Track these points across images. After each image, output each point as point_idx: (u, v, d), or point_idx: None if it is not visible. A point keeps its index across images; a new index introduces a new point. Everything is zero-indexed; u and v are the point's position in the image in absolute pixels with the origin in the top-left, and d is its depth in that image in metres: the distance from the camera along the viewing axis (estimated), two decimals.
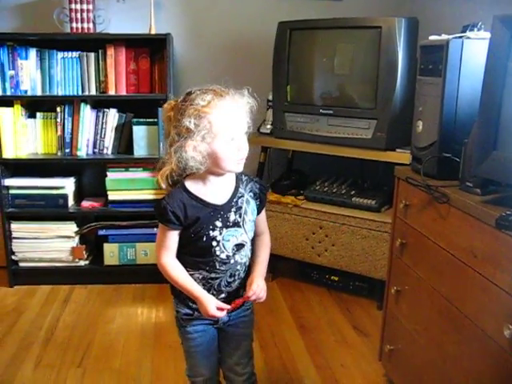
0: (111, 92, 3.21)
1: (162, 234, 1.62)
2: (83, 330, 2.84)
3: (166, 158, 1.58)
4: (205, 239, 1.60)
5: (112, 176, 3.29)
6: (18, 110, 3.21)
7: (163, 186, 1.60)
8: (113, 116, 3.28)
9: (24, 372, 2.46)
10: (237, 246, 1.65)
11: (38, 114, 3.28)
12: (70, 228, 3.30)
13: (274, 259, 3.45)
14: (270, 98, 3.25)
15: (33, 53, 3.17)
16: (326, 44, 3.03)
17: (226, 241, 1.63)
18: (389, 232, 2.47)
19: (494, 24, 1.56)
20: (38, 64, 3.19)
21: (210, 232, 1.60)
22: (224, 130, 1.52)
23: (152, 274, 3.32)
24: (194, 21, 3.47)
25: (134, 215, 3.34)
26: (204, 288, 1.65)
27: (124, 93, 3.23)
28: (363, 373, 2.48)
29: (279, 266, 3.53)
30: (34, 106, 3.31)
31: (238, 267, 1.68)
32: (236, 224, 1.64)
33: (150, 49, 3.25)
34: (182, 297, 1.70)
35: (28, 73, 3.17)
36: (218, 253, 1.63)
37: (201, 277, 1.65)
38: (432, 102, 1.93)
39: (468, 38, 1.87)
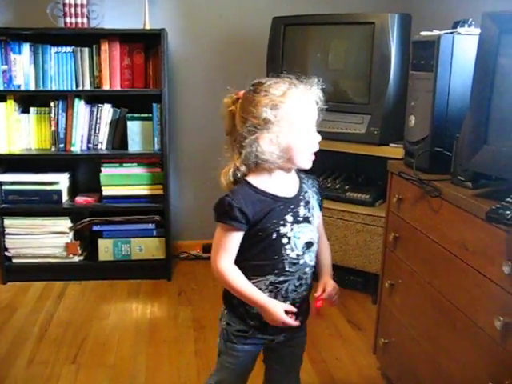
0: (105, 87, 3.21)
1: (223, 235, 1.47)
2: (77, 326, 2.84)
3: (228, 156, 1.51)
4: (275, 236, 1.47)
5: (106, 171, 3.29)
6: (11, 105, 3.21)
7: (224, 183, 1.50)
8: (107, 111, 3.28)
9: (17, 369, 2.45)
10: (307, 243, 1.52)
11: (32, 109, 3.27)
12: (64, 224, 3.29)
13: None
14: None
15: (26, 47, 3.17)
16: (320, 39, 3.05)
17: (297, 238, 1.50)
18: (383, 226, 2.48)
19: (484, 20, 1.57)
20: (32, 59, 3.18)
21: (281, 228, 1.47)
22: (301, 121, 1.44)
23: (147, 270, 3.38)
24: (188, 16, 3.48)
25: (128, 211, 3.34)
26: (270, 295, 1.51)
27: (118, 88, 3.23)
28: (358, 366, 2.50)
29: None
30: (27, 100, 3.31)
31: (307, 269, 1.55)
32: (306, 219, 1.52)
33: (145, 44, 3.26)
34: (239, 311, 1.56)
35: (21, 67, 3.17)
36: (288, 251, 1.49)
37: (268, 282, 1.51)
38: (424, 97, 1.95)
39: (459, 33, 1.89)
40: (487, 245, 1.54)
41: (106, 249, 3.34)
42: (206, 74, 3.55)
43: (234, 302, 1.55)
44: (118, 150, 3.34)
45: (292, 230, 1.49)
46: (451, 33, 1.91)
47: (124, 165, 3.31)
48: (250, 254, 1.50)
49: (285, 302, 1.53)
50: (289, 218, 1.49)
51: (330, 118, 2.92)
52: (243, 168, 1.48)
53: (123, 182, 3.31)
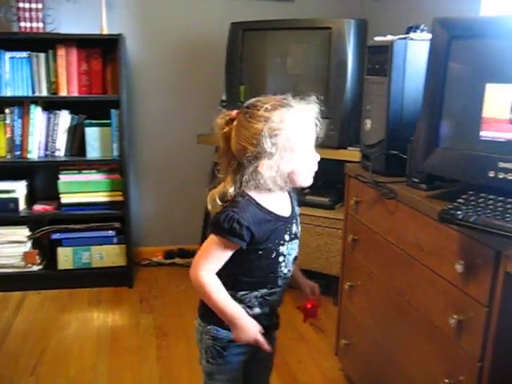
0: (62, 93, 3.16)
1: (219, 248, 1.41)
2: (36, 337, 2.78)
3: (221, 178, 1.46)
4: (274, 255, 1.47)
5: (64, 178, 3.24)
6: None
7: (210, 206, 1.44)
8: (65, 117, 3.23)
9: None
10: (294, 258, 1.55)
11: None
12: (22, 232, 3.23)
13: None
14: (224, 98, 3.26)
15: None
16: (278, 44, 3.07)
17: (290, 255, 1.52)
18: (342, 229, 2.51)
19: (434, 26, 1.61)
20: None
21: (280, 247, 1.47)
22: (301, 143, 1.41)
23: (108, 278, 3.34)
24: (146, 21, 3.46)
25: (88, 218, 3.30)
26: (258, 307, 1.52)
27: (76, 94, 3.19)
28: (320, 368, 2.52)
29: None
30: None
31: (289, 280, 1.57)
32: (296, 236, 1.54)
33: (102, 49, 3.22)
34: (219, 318, 1.50)
35: None
36: (282, 268, 1.51)
37: (259, 295, 1.51)
38: (379, 101, 1.98)
39: (411, 39, 1.93)
40: (441, 245, 1.57)
41: (66, 257, 3.29)
42: (164, 79, 3.54)
43: (217, 315, 1.49)
44: (77, 156, 3.29)
45: (287, 248, 1.50)
46: (404, 38, 1.94)
47: (83, 172, 3.26)
48: (244, 269, 1.47)
49: (270, 311, 1.56)
50: (286, 237, 1.49)
51: None
52: (231, 190, 1.42)
53: (82, 189, 3.26)
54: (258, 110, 1.38)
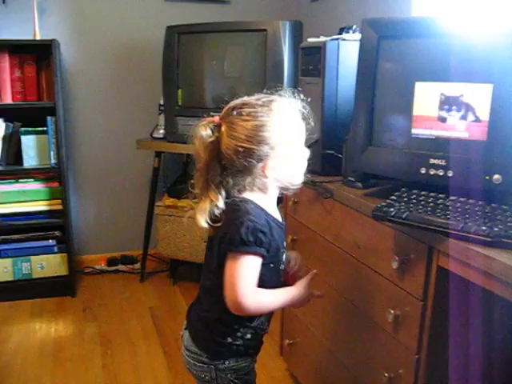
0: None
1: (250, 266, 1.31)
2: None
3: (200, 193, 1.35)
4: (281, 266, 1.42)
5: (1, 188, 3.15)
6: None
7: (201, 222, 1.32)
8: None
9: None
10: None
11: None
12: None
13: (174, 264, 3.46)
14: (162, 102, 3.23)
15: None
16: (215, 47, 3.06)
17: (283, 263, 1.46)
18: None
19: (363, 27, 1.64)
20: None
21: (282, 256, 1.42)
22: (299, 136, 1.37)
23: (50, 288, 3.27)
24: (80, 25, 3.39)
25: (27, 228, 3.21)
26: (267, 323, 1.49)
27: (10, 101, 3.10)
28: (266, 368, 2.52)
29: (180, 270, 3.54)
30: None
31: None
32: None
33: (36, 55, 3.14)
34: (241, 349, 1.45)
35: None
36: (281, 278, 1.47)
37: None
38: (314, 102, 1.98)
39: (344, 39, 1.96)
40: (377, 242, 1.60)
41: (5, 269, 3.20)
42: (101, 84, 3.49)
43: (233, 348, 1.43)
44: (13, 165, 3.19)
45: (284, 256, 1.45)
46: (337, 39, 1.97)
47: (20, 181, 3.18)
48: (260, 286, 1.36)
49: (264, 332, 1.50)
50: (284, 243, 1.45)
51: None
52: (221, 204, 1.33)
53: (20, 198, 3.18)
54: (254, 107, 1.32)
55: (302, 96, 1.41)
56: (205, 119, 1.36)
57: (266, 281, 1.36)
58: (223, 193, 1.34)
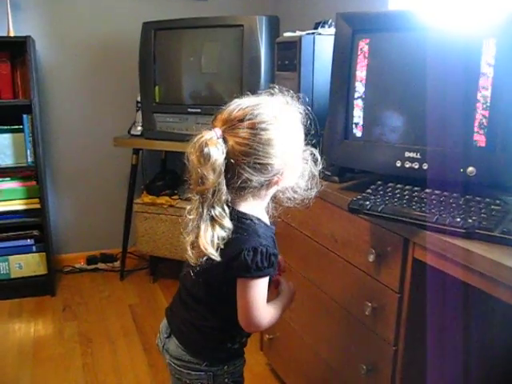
0: None
1: (263, 287, 1.27)
2: None
3: (202, 218, 1.22)
4: (275, 272, 1.37)
5: None
6: None
7: (210, 249, 1.20)
8: None
9: None
10: None
11: None
12: None
13: (154, 261, 3.45)
14: (139, 99, 3.21)
15: None
16: (191, 43, 3.04)
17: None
18: None
19: (337, 21, 1.65)
20: None
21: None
22: (302, 142, 1.30)
23: (29, 287, 3.24)
24: (55, 22, 3.35)
25: (4, 227, 3.17)
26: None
27: None
28: (246, 364, 2.49)
29: (159, 268, 3.53)
30: None
31: None
32: None
33: (10, 52, 3.10)
34: (239, 352, 1.46)
35: None
36: None
37: None
38: None
39: (319, 34, 1.96)
40: (354, 235, 1.61)
41: None
42: (77, 82, 3.45)
43: (232, 351, 1.42)
44: None
45: None
46: (312, 33, 1.97)
47: None
48: None
49: None
50: None
51: (205, 121, 2.93)
52: (229, 224, 1.22)
53: None
54: (263, 119, 1.20)
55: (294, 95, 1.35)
56: (203, 132, 1.20)
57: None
58: (227, 210, 1.23)
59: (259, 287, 1.25)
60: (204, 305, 1.38)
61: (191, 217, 1.25)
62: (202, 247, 1.20)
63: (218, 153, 1.17)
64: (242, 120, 1.20)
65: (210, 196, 1.20)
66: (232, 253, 1.22)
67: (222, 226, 1.22)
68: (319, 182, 1.38)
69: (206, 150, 1.16)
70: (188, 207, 1.27)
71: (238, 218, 1.25)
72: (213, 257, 1.21)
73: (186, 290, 1.42)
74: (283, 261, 1.53)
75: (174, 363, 1.43)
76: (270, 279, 1.32)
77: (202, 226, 1.21)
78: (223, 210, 1.22)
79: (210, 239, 1.20)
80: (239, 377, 1.47)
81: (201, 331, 1.38)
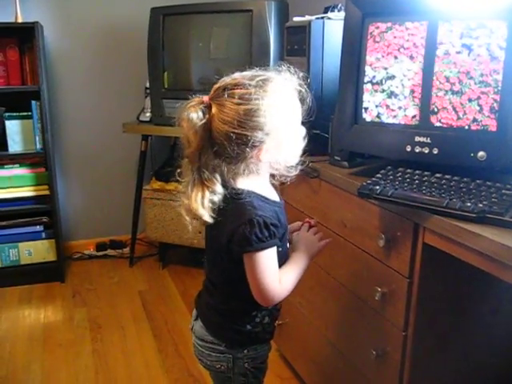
0: None
1: (271, 258, 1.26)
2: None
3: (192, 183, 1.26)
4: (288, 245, 1.38)
5: None
6: None
7: (201, 211, 1.24)
8: None
9: None
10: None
11: None
12: None
13: (163, 248, 3.46)
14: (148, 85, 3.21)
15: None
16: (200, 29, 3.03)
17: (289, 241, 1.42)
18: None
19: (347, 4, 1.63)
20: None
21: (288, 236, 1.39)
22: (295, 116, 1.28)
23: (38, 274, 3.26)
24: (63, 8, 3.34)
25: (13, 214, 3.19)
26: (273, 311, 1.42)
27: None
28: None
29: (169, 254, 3.53)
30: None
31: None
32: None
33: (19, 38, 3.10)
34: (260, 335, 1.42)
35: None
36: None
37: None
38: None
39: (329, 18, 1.94)
40: (363, 220, 1.60)
41: None
42: (86, 67, 3.45)
43: (253, 335, 1.40)
44: None
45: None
46: (322, 18, 1.96)
47: (5, 166, 3.15)
48: None
49: (278, 312, 1.46)
50: (286, 223, 1.38)
51: None
52: (220, 189, 1.26)
53: (5, 184, 3.15)
54: (247, 88, 1.21)
55: (300, 73, 1.32)
56: (193, 99, 1.25)
57: (278, 262, 1.32)
58: (219, 178, 1.26)
59: (265, 260, 1.25)
60: (220, 289, 1.40)
61: (183, 180, 1.29)
62: (192, 208, 1.24)
63: (196, 117, 1.22)
64: (227, 89, 1.22)
65: (197, 159, 1.24)
66: (230, 230, 1.25)
67: (213, 191, 1.25)
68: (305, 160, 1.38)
69: (187, 113, 1.23)
70: (178, 170, 1.31)
71: (234, 194, 1.26)
72: (204, 218, 1.24)
73: (206, 275, 1.45)
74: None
75: (197, 344, 1.46)
76: (284, 252, 1.33)
77: (194, 189, 1.25)
78: (213, 175, 1.26)
79: (200, 201, 1.24)
80: (261, 363, 1.46)
81: (222, 314, 1.40)
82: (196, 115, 1.22)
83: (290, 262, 1.37)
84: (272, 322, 1.45)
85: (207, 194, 1.24)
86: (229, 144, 1.21)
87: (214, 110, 1.22)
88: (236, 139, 1.21)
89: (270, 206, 1.30)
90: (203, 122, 1.22)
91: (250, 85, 1.21)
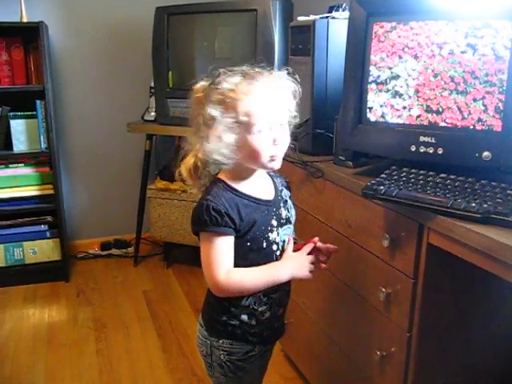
0: None
1: (215, 245, 1.30)
2: None
3: (187, 148, 1.37)
4: (265, 245, 1.35)
5: None
6: None
7: (189, 181, 1.37)
8: None
9: None
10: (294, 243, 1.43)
11: None
12: None
13: (167, 247, 3.46)
14: (152, 84, 3.21)
15: None
16: (205, 28, 3.03)
17: (283, 241, 1.41)
18: None
19: (352, 4, 1.62)
20: None
21: (269, 234, 1.36)
22: (255, 118, 1.27)
23: (43, 273, 3.27)
24: (68, 8, 3.34)
25: (18, 213, 3.19)
26: (266, 308, 1.42)
27: None
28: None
29: (173, 254, 3.53)
30: None
31: None
32: (288, 220, 1.43)
33: (23, 38, 3.10)
34: (239, 333, 1.42)
35: None
36: (278, 258, 1.39)
37: (262, 294, 1.39)
38: (304, 81, 1.96)
39: (333, 17, 1.93)
40: (368, 221, 1.60)
41: None
42: (91, 67, 3.46)
43: (229, 328, 1.41)
44: (3, 150, 3.17)
45: (278, 234, 1.39)
46: (326, 17, 1.95)
47: (10, 166, 3.16)
48: (241, 265, 1.34)
49: (278, 309, 1.46)
50: (274, 222, 1.38)
51: None
52: (203, 162, 1.34)
53: (10, 183, 3.16)
54: (218, 77, 1.30)
55: (297, 78, 1.37)
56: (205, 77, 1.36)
57: (254, 261, 1.35)
58: (208, 147, 1.29)
59: (209, 244, 1.30)
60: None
61: (185, 148, 1.39)
62: (181, 170, 1.37)
63: (198, 87, 1.35)
64: (224, 72, 1.32)
65: (196, 130, 1.33)
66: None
67: (196, 157, 1.35)
68: None
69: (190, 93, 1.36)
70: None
71: (212, 181, 1.37)
72: (186, 181, 1.39)
73: None
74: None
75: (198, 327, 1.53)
76: (255, 249, 1.34)
77: (189, 155, 1.38)
78: (201, 147, 1.32)
79: (189, 166, 1.36)
80: (239, 360, 1.45)
81: (207, 300, 1.48)
82: (192, 95, 1.37)
83: (264, 266, 1.36)
84: (257, 325, 1.43)
85: (192, 160, 1.37)
86: (199, 119, 1.32)
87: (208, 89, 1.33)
88: (200, 116, 1.31)
89: (234, 197, 1.33)
90: (198, 94, 1.35)
91: (218, 74, 1.31)
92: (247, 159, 1.32)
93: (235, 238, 1.32)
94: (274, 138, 1.30)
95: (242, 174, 1.36)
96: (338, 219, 1.77)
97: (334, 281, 1.84)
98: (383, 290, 1.52)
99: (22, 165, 3.18)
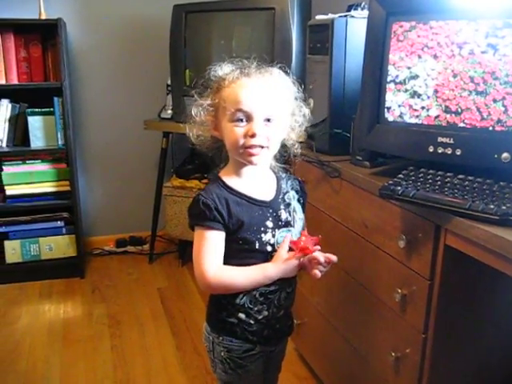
0: (1, 81, 3.05)
1: (204, 239, 1.31)
2: None
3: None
4: (258, 246, 1.34)
5: (8, 170, 3.15)
6: None
7: (191, 139, 1.43)
8: (5, 107, 3.12)
9: None
10: (291, 248, 1.38)
11: None
12: None
13: (182, 245, 3.46)
14: (169, 82, 3.21)
15: None
16: (222, 26, 3.03)
17: (271, 244, 1.38)
18: None
19: (371, 3, 1.61)
20: None
21: (262, 236, 1.35)
22: (231, 104, 1.31)
23: (58, 269, 3.29)
24: (86, 5, 3.36)
25: (34, 209, 3.22)
26: (262, 307, 1.40)
27: (16, 82, 3.08)
28: None
29: (188, 251, 3.53)
30: None
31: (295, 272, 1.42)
32: (288, 223, 1.41)
33: (42, 35, 3.12)
34: (238, 331, 1.42)
35: None
36: (270, 259, 1.38)
37: (258, 294, 1.39)
38: (321, 80, 1.97)
39: (352, 16, 1.92)
40: (384, 221, 1.59)
41: (14, 250, 3.21)
42: (108, 64, 3.47)
43: (228, 325, 1.42)
44: (20, 146, 3.19)
45: (274, 236, 1.37)
46: (345, 16, 1.94)
47: (27, 162, 3.18)
48: (236, 263, 1.35)
49: (278, 310, 1.43)
50: (269, 223, 1.36)
51: None
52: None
53: (27, 179, 3.18)
54: (221, 66, 1.44)
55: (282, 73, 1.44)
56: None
57: (247, 260, 1.35)
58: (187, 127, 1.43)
59: (199, 237, 1.33)
60: None
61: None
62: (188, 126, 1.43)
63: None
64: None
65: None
66: None
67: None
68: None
69: None
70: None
71: (211, 178, 1.42)
72: (189, 138, 1.44)
73: None
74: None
75: None
76: (248, 246, 1.34)
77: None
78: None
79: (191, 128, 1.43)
80: (238, 358, 1.44)
81: (209, 297, 1.50)
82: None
83: (254, 266, 1.36)
84: (255, 324, 1.42)
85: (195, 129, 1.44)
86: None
87: None
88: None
89: (226, 193, 1.34)
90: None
91: (211, 66, 1.43)
92: (228, 147, 1.36)
93: (226, 235, 1.33)
94: (247, 129, 1.30)
95: (239, 171, 1.38)
96: (355, 219, 1.76)
97: (349, 280, 1.83)
98: (399, 290, 1.51)
99: (39, 161, 3.20)
